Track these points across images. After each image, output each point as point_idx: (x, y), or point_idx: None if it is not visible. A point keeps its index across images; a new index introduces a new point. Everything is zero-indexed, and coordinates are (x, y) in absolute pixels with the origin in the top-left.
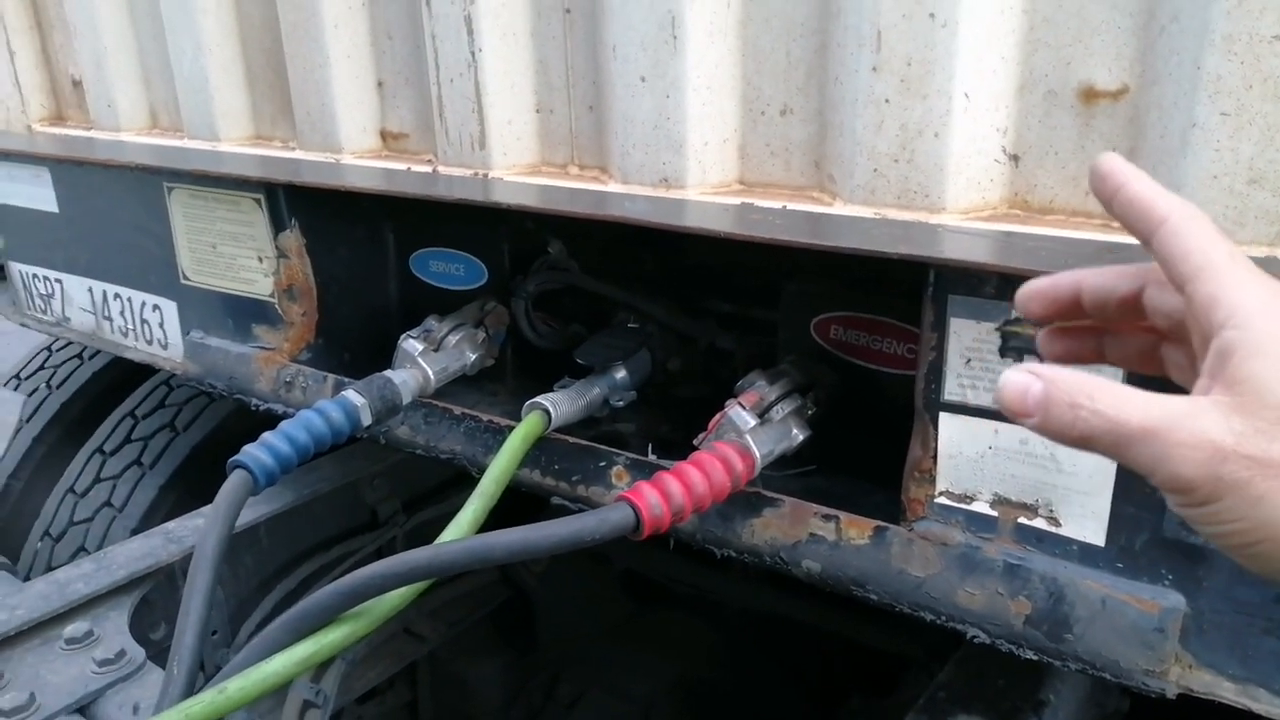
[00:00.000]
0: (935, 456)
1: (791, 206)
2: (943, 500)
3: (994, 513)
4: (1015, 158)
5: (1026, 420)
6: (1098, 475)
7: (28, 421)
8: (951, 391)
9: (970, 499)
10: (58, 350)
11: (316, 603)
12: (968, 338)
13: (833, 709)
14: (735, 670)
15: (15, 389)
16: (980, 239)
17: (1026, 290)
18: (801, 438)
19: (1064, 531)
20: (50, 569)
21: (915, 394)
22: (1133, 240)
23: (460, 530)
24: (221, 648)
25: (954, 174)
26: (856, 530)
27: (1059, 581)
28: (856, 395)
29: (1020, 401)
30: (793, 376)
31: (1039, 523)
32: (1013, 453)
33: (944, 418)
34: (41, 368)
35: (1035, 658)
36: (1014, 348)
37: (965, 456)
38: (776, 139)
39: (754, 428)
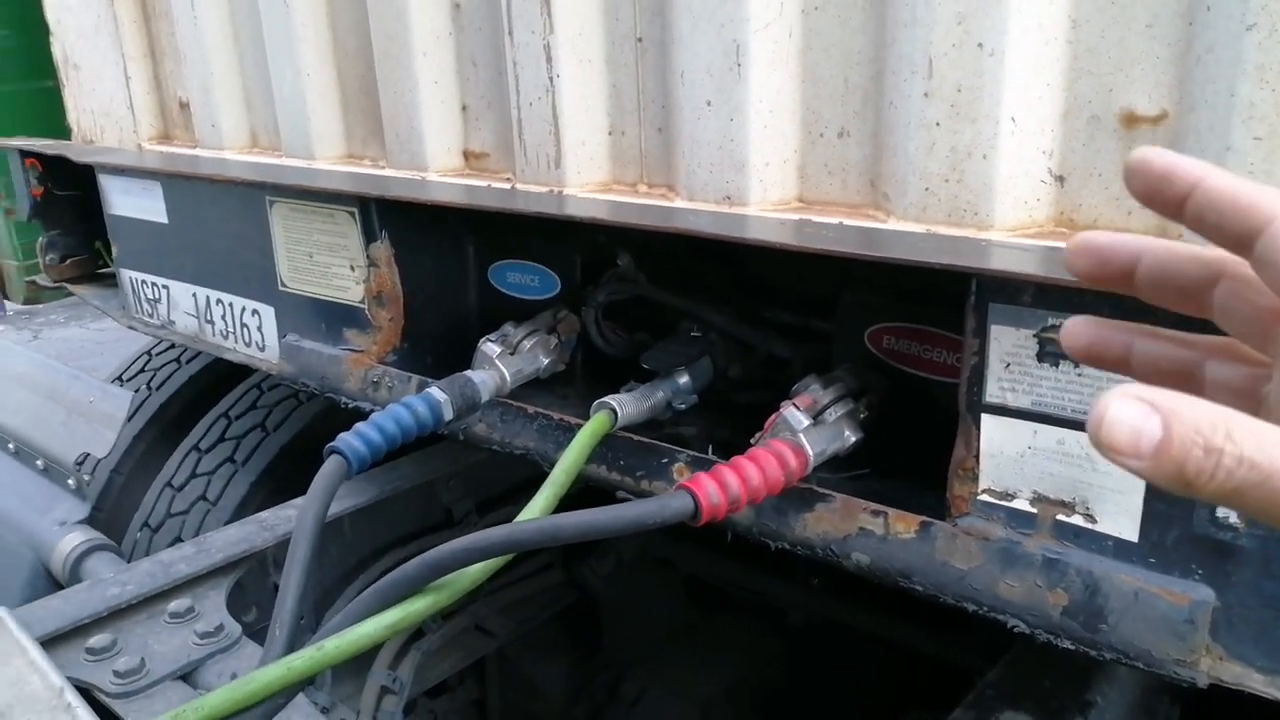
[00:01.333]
0: (978, 456)
1: (847, 222)
2: (985, 498)
3: (1033, 510)
4: (1061, 179)
5: (1133, 463)
6: (1131, 475)
7: (129, 419)
8: (992, 394)
9: (1011, 496)
10: (157, 354)
11: (404, 574)
12: (1007, 343)
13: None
14: (795, 677)
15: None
16: (1023, 253)
17: (1080, 240)
18: (854, 439)
19: (1099, 528)
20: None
21: (959, 396)
22: None
23: (534, 513)
24: (307, 632)
25: (1001, 193)
26: (903, 525)
27: (1094, 575)
28: (907, 402)
29: (1133, 444)
30: (846, 382)
31: (1076, 519)
32: (1050, 452)
33: (985, 419)
34: (142, 370)
35: (1072, 647)
36: (1050, 353)
37: (1006, 456)
38: (834, 159)
39: (808, 427)
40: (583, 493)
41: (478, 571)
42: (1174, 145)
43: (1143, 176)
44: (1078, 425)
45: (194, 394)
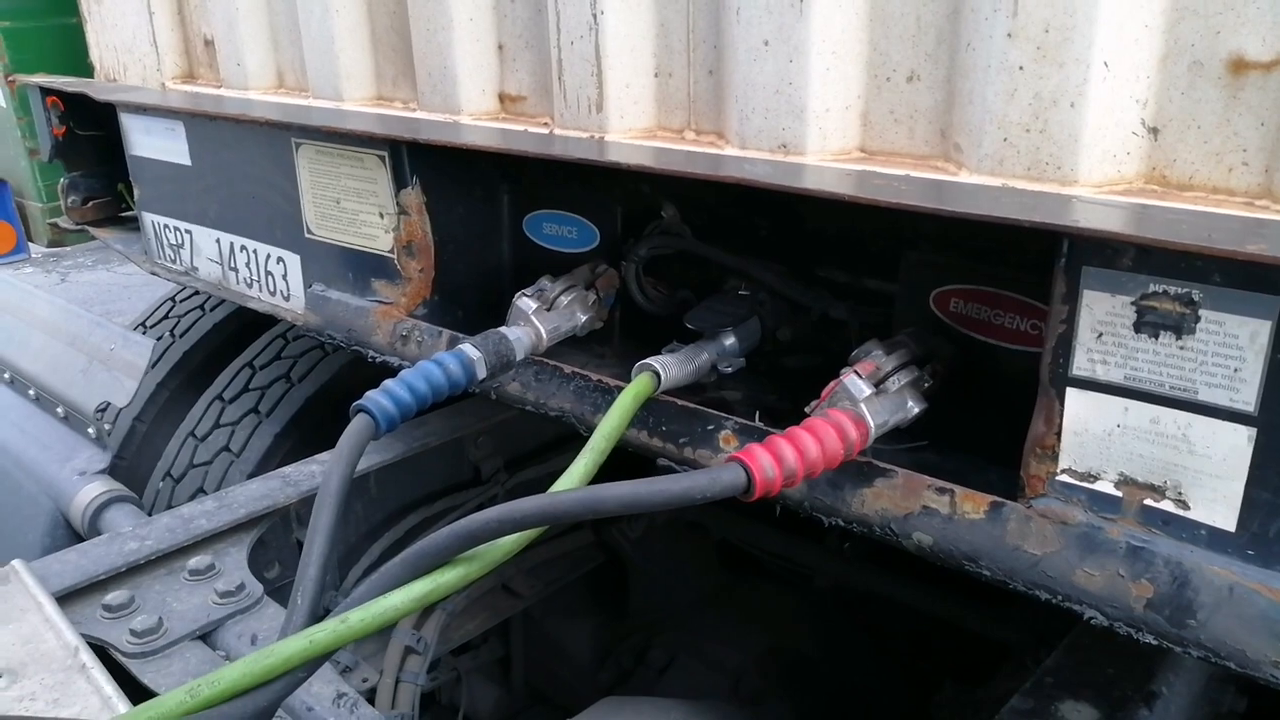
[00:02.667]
0: (1059, 433)
1: (914, 175)
2: (1064, 478)
3: (1118, 493)
4: (1155, 130)
5: None
6: (1232, 458)
7: (152, 368)
8: (1080, 366)
9: (1094, 478)
10: (181, 300)
11: (434, 543)
12: (1101, 311)
13: (924, 693)
14: (826, 646)
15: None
16: (1116, 210)
17: None
18: (917, 410)
19: (1192, 515)
20: (171, 508)
21: (1041, 367)
22: None
23: (572, 481)
24: (330, 590)
25: (1089, 146)
26: (972, 505)
27: (1184, 566)
28: (974, 370)
29: None
30: (910, 348)
31: (1166, 505)
32: (1143, 431)
33: (1071, 393)
34: (166, 317)
35: (1155, 642)
36: (1150, 322)
37: (1091, 434)
38: (901, 105)
39: (869, 397)
40: (617, 456)
41: (512, 543)
42: None
43: None
44: (1176, 403)
45: (218, 342)
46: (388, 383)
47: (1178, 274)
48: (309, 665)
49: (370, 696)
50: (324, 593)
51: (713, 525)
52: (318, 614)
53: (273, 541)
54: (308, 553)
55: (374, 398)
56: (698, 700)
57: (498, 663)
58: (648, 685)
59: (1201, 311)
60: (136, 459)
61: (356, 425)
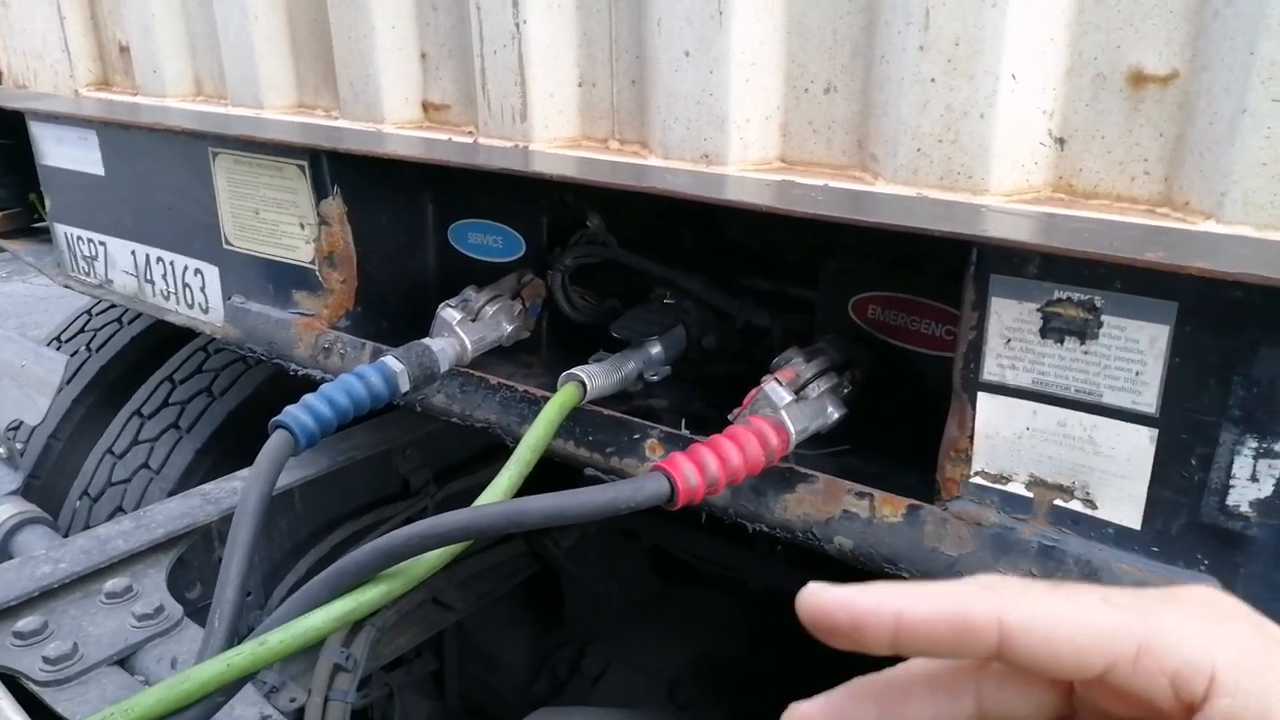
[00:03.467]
0: (972, 436)
1: (833, 184)
2: (978, 480)
3: (1029, 494)
4: (1061, 141)
5: None
6: (1136, 458)
7: (68, 383)
8: (990, 371)
9: (1006, 479)
10: (97, 314)
11: (355, 561)
12: (1009, 317)
13: None
14: (761, 651)
15: (56, 350)
16: (1024, 220)
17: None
18: (837, 416)
19: (1100, 514)
20: (88, 528)
21: (954, 373)
22: (1180, 224)
23: (496, 495)
24: (255, 609)
25: (998, 156)
26: (890, 508)
27: (1093, 564)
28: (892, 376)
29: None
30: (830, 355)
31: (1075, 505)
32: (1050, 434)
33: (982, 397)
34: (81, 330)
35: None
36: (1055, 328)
37: (1002, 437)
38: (819, 117)
39: (789, 404)
40: (545, 466)
41: (435, 558)
42: (1184, 107)
43: (826, 622)
44: (1082, 406)
45: (136, 356)
46: (307, 398)
47: (1081, 281)
48: (227, 690)
49: (298, 717)
50: (243, 613)
51: (645, 532)
52: (236, 636)
53: (194, 561)
54: (225, 572)
55: (293, 413)
56: (632, 709)
57: (431, 676)
58: (582, 695)
59: (1104, 317)
60: (52, 478)
61: (275, 442)
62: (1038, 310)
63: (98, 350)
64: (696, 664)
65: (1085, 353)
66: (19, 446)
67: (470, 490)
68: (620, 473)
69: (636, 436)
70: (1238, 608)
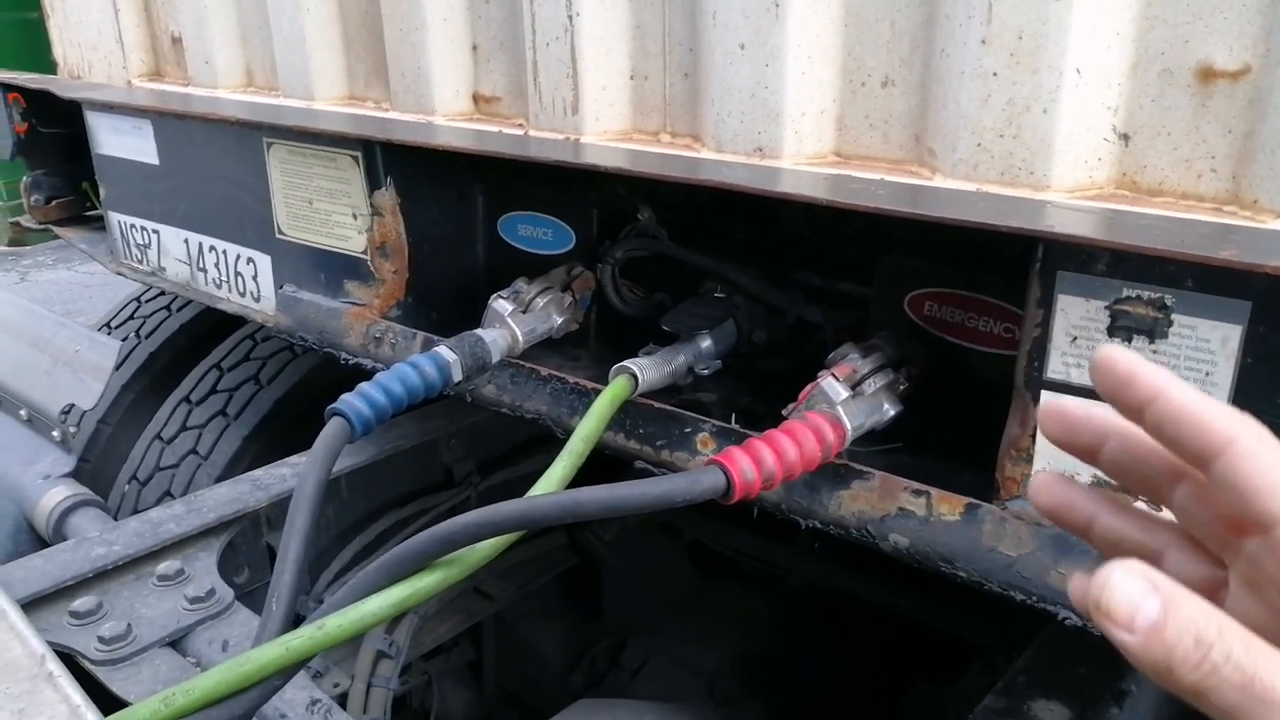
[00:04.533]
0: (1034, 435)
1: (889, 179)
2: None
3: None
4: (1126, 137)
5: (1123, 635)
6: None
7: (117, 369)
8: (1055, 370)
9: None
10: (147, 301)
11: (412, 548)
12: (1075, 315)
13: (896, 694)
14: (800, 648)
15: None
16: (1089, 215)
17: (1052, 405)
18: (893, 413)
19: (1166, 516)
20: (137, 512)
21: (1016, 371)
22: (1249, 223)
23: (550, 485)
24: (301, 595)
25: (1061, 151)
26: (948, 506)
27: None
28: (949, 373)
29: (1128, 618)
30: (885, 351)
31: (1140, 506)
32: None
33: (1046, 396)
34: (131, 317)
35: None
36: (1124, 327)
37: None
38: (876, 111)
39: (846, 400)
40: (593, 460)
41: (490, 547)
42: (1256, 104)
43: (1108, 376)
44: None
45: (185, 343)
46: (363, 386)
47: (1151, 279)
48: (285, 673)
49: (342, 701)
50: (298, 598)
51: (686, 527)
52: (292, 620)
53: (242, 546)
54: (283, 557)
55: (349, 401)
56: (672, 703)
57: (469, 666)
58: (621, 687)
59: (1174, 316)
60: (102, 462)
61: (332, 429)
62: (1105, 308)
63: (147, 337)
64: (736, 660)
65: (1154, 352)
66: (71, 430)
67: (512, 482)
68: (671, 466)
69: (688, 430)
70: None
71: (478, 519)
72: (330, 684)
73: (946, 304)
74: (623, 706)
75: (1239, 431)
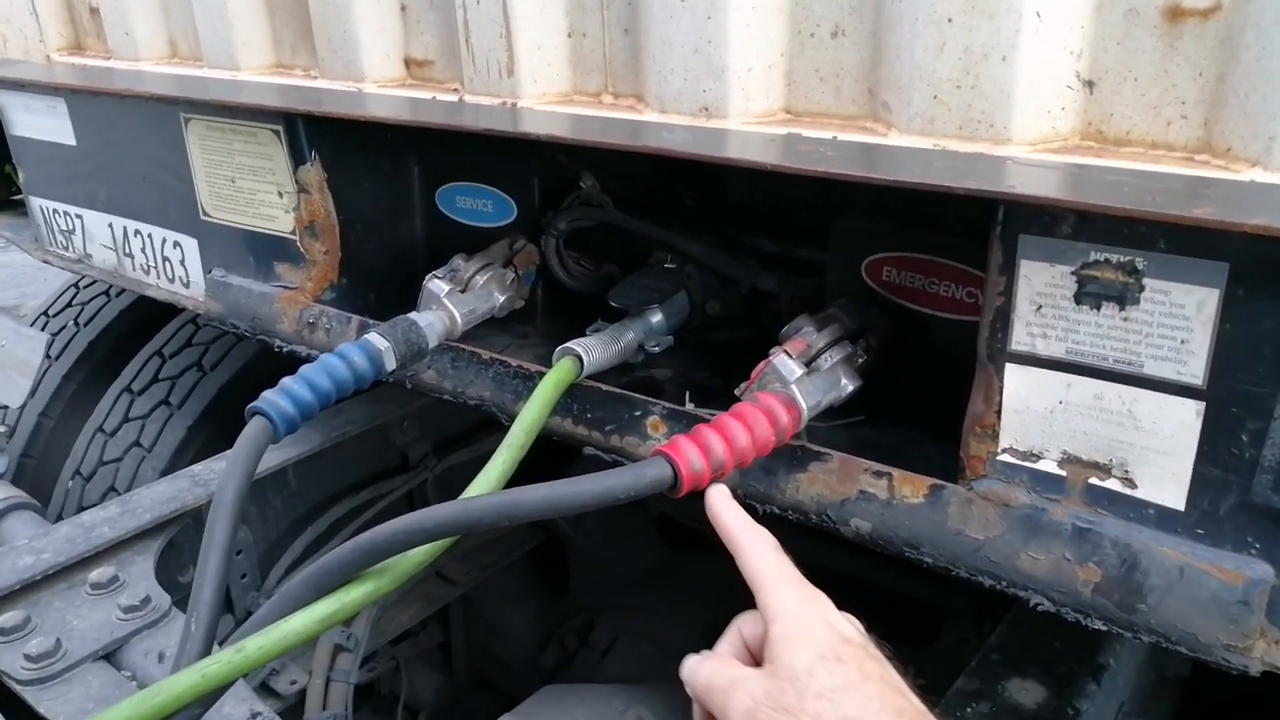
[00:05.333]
0: (999, 411)
1: (842, 137)
2: (1006, 458)
3: (1062, 472)
4: (1090, 84)
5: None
6: (1180, 434)
7: (57, 359)
8: (1020, 341)
9: (1036, 457)
10: (85, 287)
11: (338, 559)
12: (1040, 282)
13: None
14: None
15: (44, 325)
16: (1053, 172)
17: (714, 495)
18: (851, 388)
19: (1139, 494)
20: (82, 509)
21: (979, 342)
22: (1223, 174)
23: (488, 483)
24: (251, 590)
25: (1022, 101)
26: (911, 488)
27: (1132, 547)
28: (909, 342)
29: (684, 673)
30: (842, 322)
31: (1112, 484)
32: (1086, 408)
33: (1010, 369)
34: (70, 304)
35: (1103, 628)
36: (1092, 293)
37: (1033, 411)
38: (827, 64)
39: (800, 377)
40: (542, 445)
41: (423, 554)
42: (1227, 43)
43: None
44: (1121, 378)
45: (125, 329)
46: (286, 381)
47: (1120, 241)
48: (205, 700)
49: (300, 699)
50: (244, 588)
51: (652, 500)
52: (214, 639)
53: (185, 544)
54: (201, 573)
55: (270, 399)
56: (641, 685)
57: (438, 648)
58: (591, 667)
59: (1145, 280)
60: (45, 457)
61: (252, 430)
62: (1072, 274)
63: (86, 325)
64: (706, 633)
65: (1125, 319)
66: (1, 429)
67: (471, 462)
68: (621, 452)
69: (638, 413)
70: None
71: (406, 525)
72: (287, 681)
73: (906, 269)
74: (589, 691)
75: (744, 537)
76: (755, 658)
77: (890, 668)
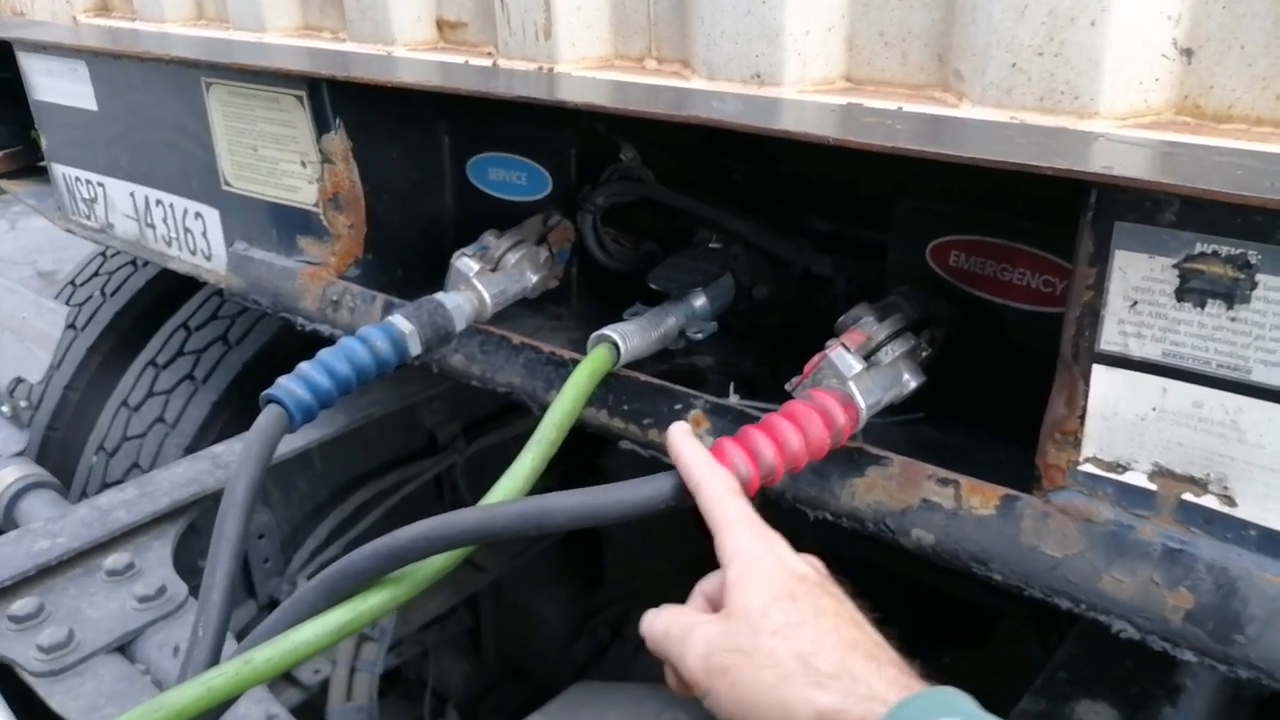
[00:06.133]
0: (1083, 416)
1: (908, 108)
2: (1088, 468)
3: (1153, 486)
4: (1188, 52)
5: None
6: None
7: (82, 330)
8: (1110, 340)
9: (1123, 468)
10: (111, 256)
11: (354, 564)
12: (1136, 275)
13: (920, 660)
14: None
15: (71, 295)
16: (1149, 151)
17: (675, 434)
18: (914, 385)
19: (1239, 513)
20: (105, 485)
21: (1063, 340)
22: None
23: (515, 485)
24: (274, 576)
25: (1111, 71)
26: (980, 498)
27: (1230, 572)
28: (978, 334)
29: (642, 627)
30: (905, 311)
31: (1208, 500)
32: (1183, 416)
33: (1098, 370)
34: (96, 274)
35: (1194, 659)
36: (1196, 289)
37: (1121, 418)
38: (893, 26)
39: (859, 373)
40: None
41: (444, 560)
42: None
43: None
44: (1225, 384)
45: (151, 300)
46: (303, 367)
47: (1231, 231)
48: (209, 714)
49: (323, 689)
50: (267, 573)
51: None
52: (223, 644)
53: (206, 527)
54: (210, 573)
55: (286, 385)
56: None
57: (467, 634)
58: (625, 661)
59: (1259, 276)
60: (70, 430)
61: (267, 419)
62: (1174, 267)
63: (112, 295)
64: None
65: (1232, 319)
66: (23, 404)
67: (502, 445)
68: (660, 448)
69: (678, 406)
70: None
71: (427, 532)
72: (310, 670)
73: (976, 253)
74: (622, 691)
75: (702, 475)
76: (716, 610)
77: (848, 602)
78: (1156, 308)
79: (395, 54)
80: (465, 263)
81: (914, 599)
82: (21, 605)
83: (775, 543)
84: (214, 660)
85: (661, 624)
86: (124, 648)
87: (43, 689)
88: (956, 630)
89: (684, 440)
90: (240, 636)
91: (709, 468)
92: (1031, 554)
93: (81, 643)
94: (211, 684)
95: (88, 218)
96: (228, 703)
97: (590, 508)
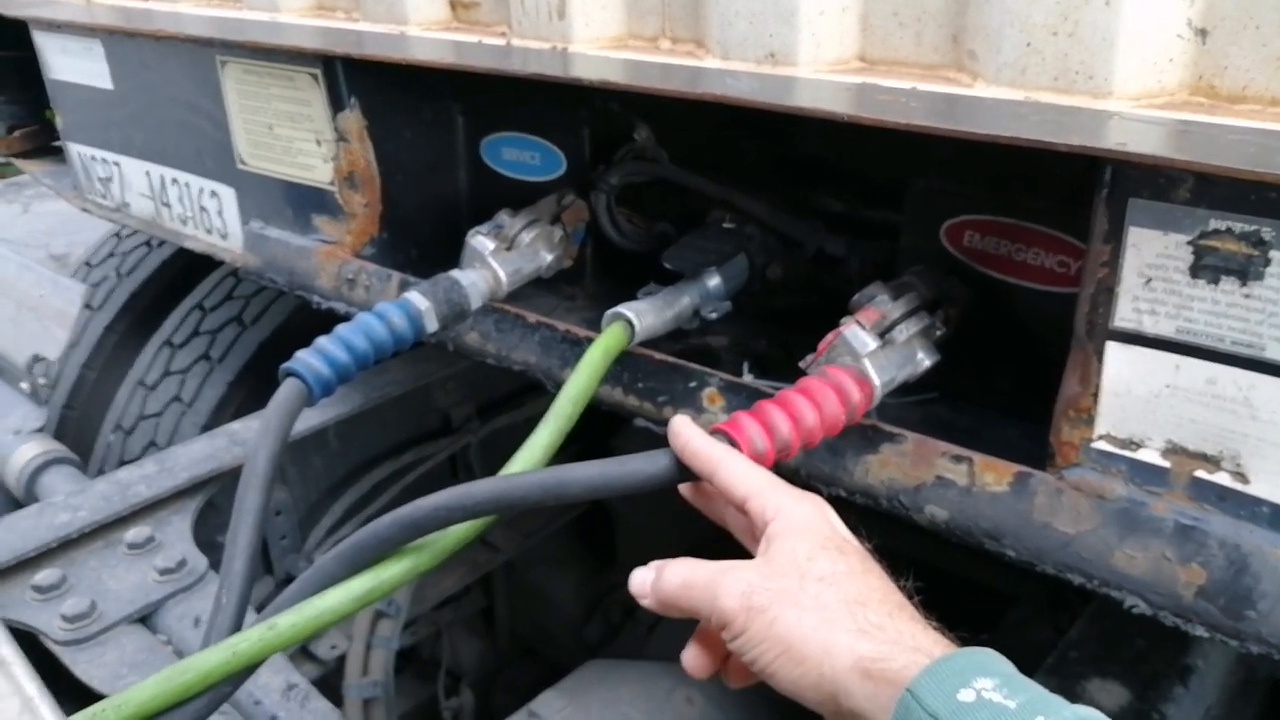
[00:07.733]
0: (1097, 393)
1: (923, 87)
2: (1102, 445)
3: (1165, 463)
4: (1203, 32)
5: (645, 602)
6: None
7: (99, 309)
8: (1124, 317)
9: (1137, 445)
10: (126, 237)
11: (374, 534)
12: (1150, 252)
13: None
14: None
15: (86, 275)
16: (1163, 130)
17: (677, 426)
18: (928, 363)
19: (1252, 490)
20: (122, 463)
21: (1076, 318)
22: None
23: (532, 457)
24: (291, 553)
25: (1125, 51)
26: (994, 475)
27: (1242, 549)
28: (992, 314)
29: (640, 589)
30: (919, 290)
31: (1221, 477)
32: (1196, 393)
33: (1112, 348)
34: (111, 254)
35: (1206, 635)
36: (1210, 266)
37: (1135, 395)
38: (907, 6)
39: (874, 351)
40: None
41: (464, 531)
42: None
43: (675, 442)
44: (1238, 361)
45: (167, 280)
46: (321, 341)
47: (1245, 208)
48: (234, 679)
49: (339, 665)
50: (283, 550)
51: None
52: (245, 613)
53: (224, 503)
54: (232, 542)
55: (305, 359)
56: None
57: (481, 614)
58: (636, 642)
59: (1273, 253)
60: (88, 409)
61: (286, 392)
62: (1188, 244)
63: (128, 275)
64: None
65: (1246, 296)
66: (41, 381)
67: (517, 426)
68: None
69: (693, 385)
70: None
71: (447, 501)
72: (327, 646)
73: (990, 233)
74: (635, 669)
75: (721, 456)
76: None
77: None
78: (1170, 285)
79: (408, 33)
80: (480, 241)
81: (927, 580)
82: (45, 576)
83: (821, 504)
84: (236, 628)
85: (678, 575)
86: (145, 618)
87: (67, 657)
88: (967, 611)
89: (691, 430)
90: (259, 610)
91: (722, 448)
92: (1044, 530)
93: (104, 613)
94: (236, 648)
95: (104, 197)
96: (252, 667)
97: (606, 478)
